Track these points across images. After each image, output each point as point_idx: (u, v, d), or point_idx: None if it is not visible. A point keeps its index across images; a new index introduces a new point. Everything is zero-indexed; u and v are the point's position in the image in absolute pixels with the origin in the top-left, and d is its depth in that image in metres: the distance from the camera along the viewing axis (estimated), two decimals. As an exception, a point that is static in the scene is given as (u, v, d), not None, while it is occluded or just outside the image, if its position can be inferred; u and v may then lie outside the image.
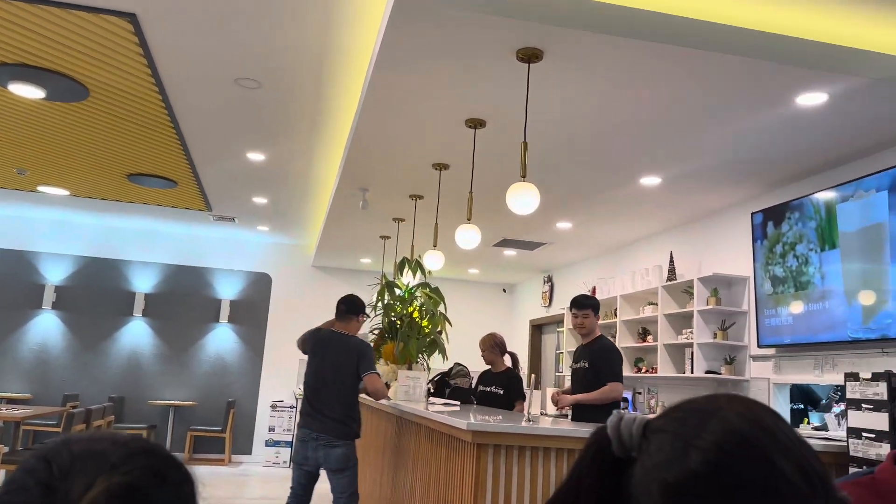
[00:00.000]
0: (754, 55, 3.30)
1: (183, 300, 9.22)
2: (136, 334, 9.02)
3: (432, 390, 5.80)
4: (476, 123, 4.28)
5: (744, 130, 4.15)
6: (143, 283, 9.12)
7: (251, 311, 9.43)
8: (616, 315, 6.96)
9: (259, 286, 9.52)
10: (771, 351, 5.05)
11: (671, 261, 6.29)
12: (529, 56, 3.37)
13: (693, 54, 3.29)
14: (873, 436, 3.05)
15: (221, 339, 9.26)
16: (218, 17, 3.59)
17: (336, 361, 4.29)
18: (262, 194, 6.87)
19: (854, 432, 3.13)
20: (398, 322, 5.94)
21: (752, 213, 5.21)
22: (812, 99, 3.68)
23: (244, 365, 9.30)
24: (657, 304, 6.22)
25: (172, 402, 8.83)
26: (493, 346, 5.94)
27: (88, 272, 8.97)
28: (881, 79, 3.43)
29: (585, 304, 4.44)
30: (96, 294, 8.96)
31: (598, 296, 7.43)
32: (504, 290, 10.80)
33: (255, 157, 5.66)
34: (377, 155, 5.02)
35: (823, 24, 3.31)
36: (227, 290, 9.39)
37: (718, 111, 3.91)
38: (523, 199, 3.52)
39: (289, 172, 6.08)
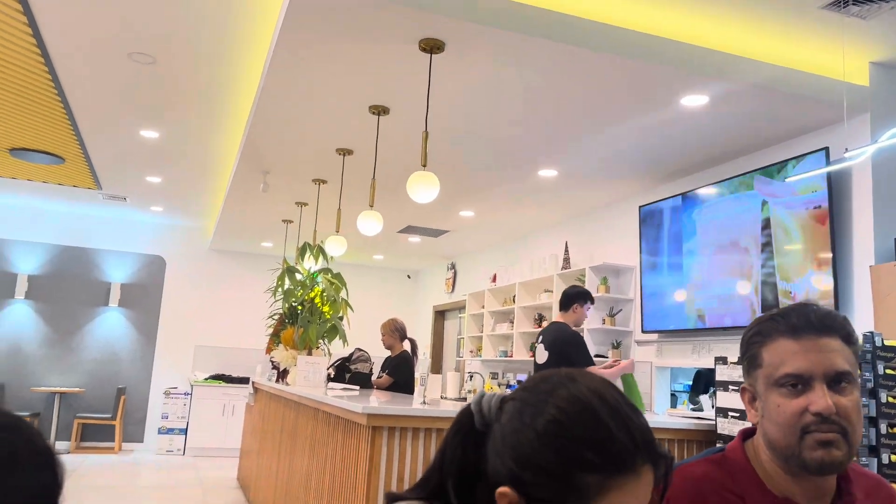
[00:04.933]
0: (644, 58, 3.49)
1: (70, 283, 8.74)
2: (19, 318, 8.49)
3: (332, 376, 5.80)
4: (379, 110, 4.30)
5: (634, 128, 4.37)
6: (26, 264, 8.58)
7: (143, 295, 9.07)
8: (514, 301, 7.17)
9: (152, 269, 9.15)
10: (654, 336, 5.37)
11: (566, 250, 6.54)
12: (431, 47, 3.42)
13: (587, 54, 3.44)
14: (738, 415, 3.33)
15: (111, 324, 8.86)
16: (109, -12, 3.44)
17: None
18: (156, 173, 6.62)
19: (721, 412, 3.40)
20: (299, 307, 5.89)
21: (640, 207, 5.49)
22: (694, 101, 3.92)
23: (136, 351, 8.94)
24: (552, 292, 6.46)
25: (58, 388, 8.39)
26: (394, 330, 6.02)
27: (-38, 251, 8.37)
28: (755, 84, 3.71)
29: None
30: (-29, 275, 8.37)
31: (498, 283, 7.64)
32: (408, 277, 10.87)
33: (149, 134, 5.45)
34: (279, 138, 4.95)
35: (706, 31, 3.54)
36: (118, 273, 8.97)
37: (610, 110, 4.10)
38: (423, 188, 3.58)
39: (185, 152, 5.89)
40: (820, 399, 1.10)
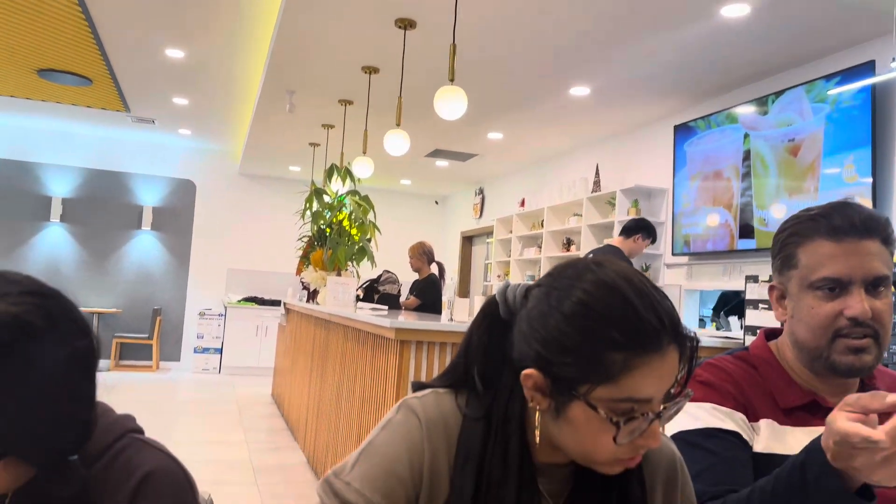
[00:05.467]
0: (682, -38, 3.31)
1: (103, 206, 8.89)
2: (55, 240, 8.70)
3: (361, 296, 5.89)
4: (406, 24, 4.18)
5: (670, 42, 4.20)
6: (59, 187, 8.72)
7: (175, 219, 9.20)
8: (542, 226, 7.13)
9: (183, 193, 9.24)
10: (684, 259, 5.32)
11: (597, 172, 6.43)
12: (459, -47, 3.28)
13: (623, -41, 3.27)
14: (767, 333, 3.31)
15: (145, 247, 9.04)
16: None
17: None
18: (183, 95, 6.59)
19: (750, 329, 3.38)
20: (327, 230, 5.93)
21: (675, 126, 5.35)
22: (735, 10, 3.74)
23: (169, 273, 9.14)
24: (581, 216, 6.40)
25: (96, 309, 8.66)
26: (421, 253, 6.06)
27: (0, 176, 8.52)
28: (801, -7, 3.52)
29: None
30: (9, 198, 8.54)
31: (527, 207, 7.58)
32: (436, 202, 10.85)
33: (174, 53, 5.39)
34: (304, 55, 4.86)
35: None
36: (149, 197, 9.09)
37: (647, 20, 3.93)
38: (451, 102, 3.50)
39: (211, 72, 5.83)
40: (857, 304, 1.09)
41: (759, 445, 1.14)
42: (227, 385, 7.96)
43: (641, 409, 0.78)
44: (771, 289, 1.23)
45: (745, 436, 1.13)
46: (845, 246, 1.10)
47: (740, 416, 1.15)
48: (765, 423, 1.15)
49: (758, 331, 3.29)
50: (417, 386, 0.99)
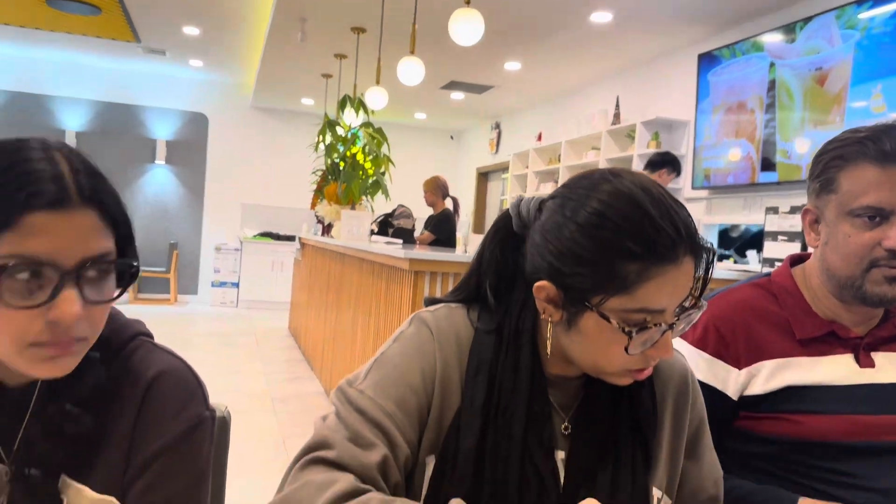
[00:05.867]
0: None
1: (116, 139, 8.85)
2: (70, 175, 8.71)
3: (375, 230, 5.88)
4: (420, -54, 4.02)
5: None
6: (72, 120, 8.68)
7: (189, 153, 9.15)
8: (559, 161, 7.02)
9: (195, 126, 9.16)
10: (704, 193, 5.22)
11: (617, 105, 6.28)
12: None
13: None
14: (787, 266, 3.26)
15: (160, 181, 9.04)
16: None
17: None
18: (194, 24, 6.45)
19: (768, 262, 3.33)
20: (341, 163, 5.87)
21: (699, 55, 5.17)
22: (767, -72, 3.54)
23: (185, 207, 9.16)
24: (600, 149, 6.28)
25: (114, 243, 8.72)
26: (436, 187, 6.01)
27: (12, 109, 8.47)
28: None
29: None
30: (22, 131, 8.48)
31: (544, 142, 7.46)
32: (451, 137, 10.71)
33: (183, -20, 5.25)
34: (315, -20, 4.70)
35: None
36: (163, 130, 9.03)
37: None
38: (466, 25, 3.39)
39: None
40: None
41: (756, 388, 1.14)
42: (245, 318, 8.07)
43: (654, 319, 0.77)
44: (805, 213, 1.19)
45: (719, 388, 1.15)
46: (891, 173, 1.05)
47: (723, 365, 1.15)
48: (771, 364, 1.14)
49: (775, 262, 3.25)
50: (430, 301, 0.98)
